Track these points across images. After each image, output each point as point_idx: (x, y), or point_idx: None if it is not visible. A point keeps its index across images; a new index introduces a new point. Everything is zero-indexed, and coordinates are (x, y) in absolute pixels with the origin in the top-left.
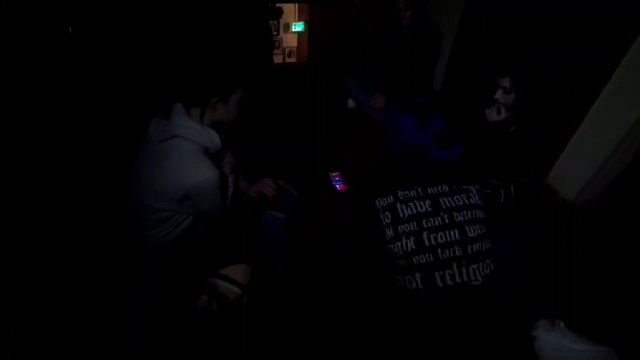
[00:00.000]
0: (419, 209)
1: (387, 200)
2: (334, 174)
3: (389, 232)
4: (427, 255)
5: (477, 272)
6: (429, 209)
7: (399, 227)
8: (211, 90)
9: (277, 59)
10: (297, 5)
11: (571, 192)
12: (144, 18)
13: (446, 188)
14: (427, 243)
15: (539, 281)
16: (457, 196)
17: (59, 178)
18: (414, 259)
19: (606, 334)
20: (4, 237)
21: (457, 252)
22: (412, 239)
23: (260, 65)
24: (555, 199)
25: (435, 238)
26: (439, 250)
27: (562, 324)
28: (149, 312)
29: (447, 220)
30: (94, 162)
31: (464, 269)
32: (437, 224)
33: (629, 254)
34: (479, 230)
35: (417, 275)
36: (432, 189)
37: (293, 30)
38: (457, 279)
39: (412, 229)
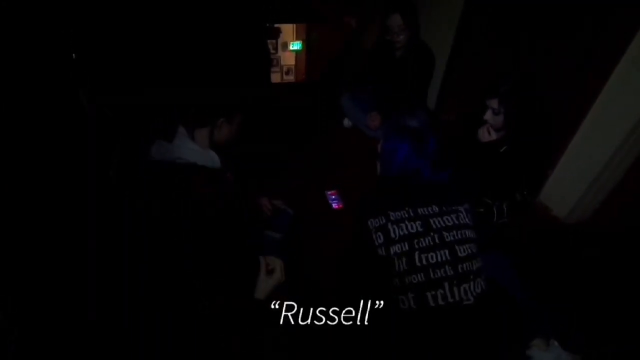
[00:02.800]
0: (410, 230)
1: (379, 221)
2: (330, 192)
3: (382, 253)
4: (418, 275)
5: (469, 292)
6: (420, 229)
7: (391, 248)
8: (218, 111)
9: (275, 77)
10: (295, 25)
11: (563, 210)
12: (149, 40)
13: (436, 209)
14: (418, 263)
15: (532, 300)
16: (447, 216)
17: (60, 192)
18: (406, 279)
19: (600, 353)
20: (8, 246)
21: (448, 272)
22: (404, 259)
23: (261, 85)
24: (548, 216)
25: (427, 258)
26: (431, 270)
27: (556, 344)
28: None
29: (437, 241)
30: (95, 182)
31: (455, 289)
32: (427, 244)
33: (621, 271)
34: (469, 250)
35: (410, 296)
36: (422, 210)
37: (291, 48)
38: (449, 299)
39: (404, 249)
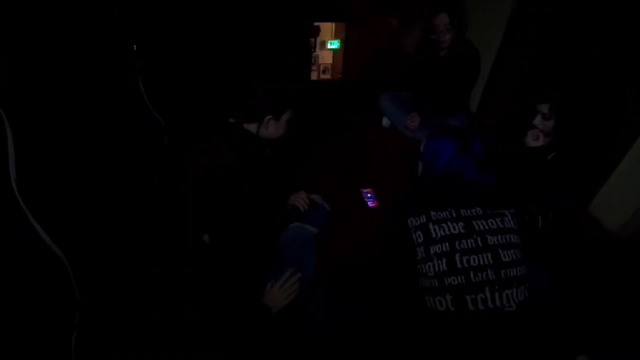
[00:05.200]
0: (452, 231)
1: (419, 219)
2: (366, 191)
3: (421, 252)
4: (458, 277)
5: (511, 298)
6: (462, 231)
7: (431, 248)
8: (266, 108)
9: (313, 75)
10: (334, 23)
11: (615, 224)
12: (203, 34)
13: (480, 211)
14: (459, 265)
15: (577, 314)
16: (491, 219)
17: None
18: (445, 280)
19: None
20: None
21: (490, 276)
22: (444, 260)
23: (303, 84)
24: (597, 229)
25: (468, 260)
26: (471, 273)
27: None
28: None
29: (480, 243)
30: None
31: (496, 294)
32: (469, 246)
33: None
34: (513, 256)
35: (448, 297)
36: (465, 211)
37: (329, 47)
38: (490, 304)
39: (445, 250)
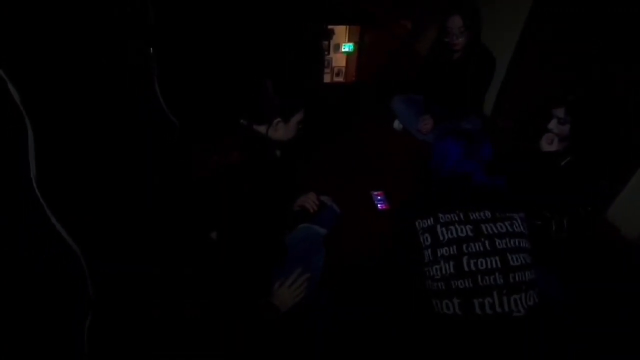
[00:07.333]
0: (460, 233)
1: (427, 222)
2: (376, 193)
3: (428, 255)
4: (466, 280)
5: (520, 303)
6: (470, 234)
7: (438, 250)
8: (274, 111)
9: (326, 78)
10: (348, 26)
11: (634, 231)
12: (218, 45)
13: (488, 214)
14: (466, 268)
15: (578, 314)
16: (500, 223)
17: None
18: (452, 283)
19: None
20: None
21: (497, 280)
22: (451, 263)
23: (315, 87)
24: (614, 236)
25: (476, 264)
26: (479, 277)
27: None
28: None
29: (488, 247)
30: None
31: (504, 298)
32: (477, 249)
33: None
34: (522, 260)
35: (455, 301)
36: (473, 215)
37: (343, 50)
38: (498, 309)
39: (452, 252)
